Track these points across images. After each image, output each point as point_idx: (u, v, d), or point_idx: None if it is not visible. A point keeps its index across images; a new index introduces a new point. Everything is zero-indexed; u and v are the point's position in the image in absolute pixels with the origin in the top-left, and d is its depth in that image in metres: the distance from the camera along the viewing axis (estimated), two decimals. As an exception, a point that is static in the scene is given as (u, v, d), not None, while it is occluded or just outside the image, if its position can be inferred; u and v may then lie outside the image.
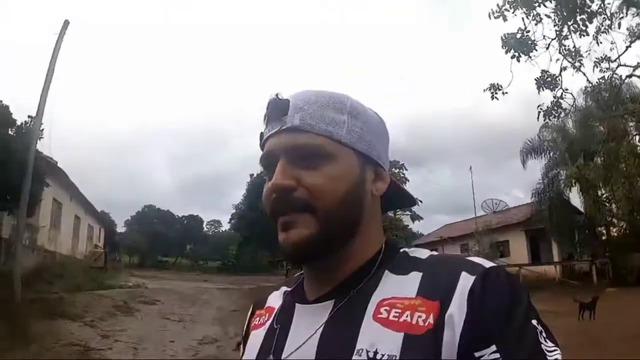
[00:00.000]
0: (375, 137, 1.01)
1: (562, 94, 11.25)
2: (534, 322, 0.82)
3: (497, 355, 0.77)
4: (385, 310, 0.87)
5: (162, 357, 11.47)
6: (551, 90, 11.29)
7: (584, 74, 11.45)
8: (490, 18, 10.39)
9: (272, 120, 0.99)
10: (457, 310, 0.81)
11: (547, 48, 10.88)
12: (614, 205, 25.14)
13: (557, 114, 11.79)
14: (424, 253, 0.98)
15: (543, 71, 11.17)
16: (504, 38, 10.67)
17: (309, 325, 0.94)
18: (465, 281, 0.84)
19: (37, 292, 15.39)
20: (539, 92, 11.33)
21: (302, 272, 1.11)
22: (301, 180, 0.92)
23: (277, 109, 0.97)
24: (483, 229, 32.46)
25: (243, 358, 1.09)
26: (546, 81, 11.06)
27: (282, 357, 0.94)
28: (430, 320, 0.82)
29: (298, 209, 0.92)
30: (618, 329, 11.96)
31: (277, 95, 0.99)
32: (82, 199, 29.50)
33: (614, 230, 28.01)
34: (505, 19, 10.42)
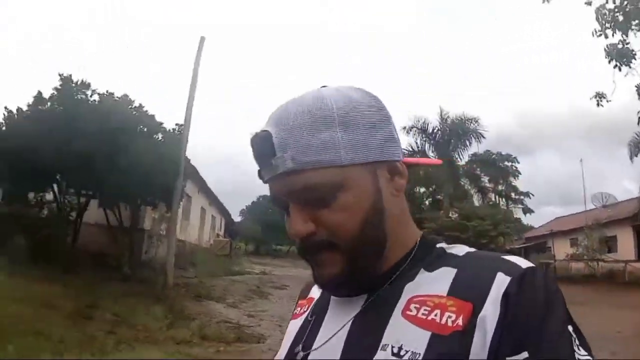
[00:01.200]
0: (373, 132, 0.91)
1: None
2: (570, 328, 0.78)
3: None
4: (415, 307, 0.84)
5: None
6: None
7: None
8: (593, 36, 10.46)
9: (261, 164, 0.91)
10: (491, 313, 0.77)
11: None
12: None
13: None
14: (461, 250, 0.93)
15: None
16: (606, 49, 10.49)
17: (340, 317, 0.92)
18: (501, 282, 0.80)
19: (178, 277, 16.34)
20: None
21: None
22: (318, 221, 0.87)
23: (262, 150, 0.89)
24: (593, 223, 30.99)
25: (280, 348, 1.06)
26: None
27: (311, 351, 0.93)
28: (460, 322, 0.79)
29: (323, 249, 0.88)
30: None
31: (255, 134, 0.91)
32: (207, 191, 30.53)
33: None
34: (606, 37, 10.43)
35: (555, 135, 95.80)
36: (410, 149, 34.09)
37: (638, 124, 11.82)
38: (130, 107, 15.51)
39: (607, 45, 10.44)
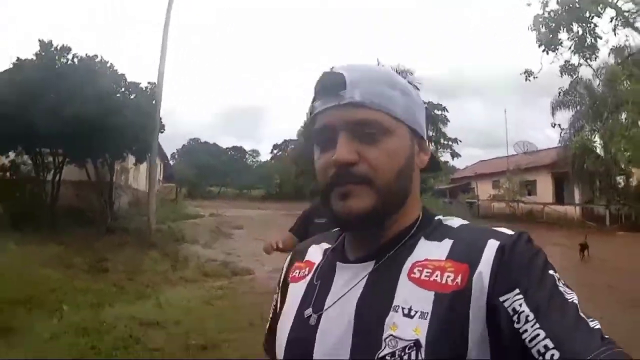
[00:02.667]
0: (419, 112, 1.02)
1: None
2: (551, 271, 0.84)
3: (520, 296, 0.79)
4: (418, 270, 0.89)
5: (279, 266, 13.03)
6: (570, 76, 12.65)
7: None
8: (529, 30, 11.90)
9: (327, 94, 0.96)
10: (484, 269, 0.83)
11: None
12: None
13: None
14: (455, 222, 0.99)
15: (566, 62, 12.67)
16: (537, 37, 11.87)
17: (348, 281, 0.95)
18: (492, 246, 0.86)
19: (144, 224, 16.76)
20: (561, 76, 12.95)
21: (338, 229, 1.12)
22: (362, 155, 0.92)
23: (334, 83, 0.95)
24: (514, 168, 33.05)
25: (283, 310, 1.09)
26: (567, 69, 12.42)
27: (322, 314, 0.95)
28: (458, 280, 0.84)
29: (358, 182, 0.92)
30: (608, 264, 13.57)
31: (331, 69, 0.98)
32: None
33: (632, 179, 28.80)
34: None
35: (484, 86, 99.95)
36: None
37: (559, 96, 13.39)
38: (100, 66, 15.56)
39: (537, 34, 11.83)
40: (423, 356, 0.80)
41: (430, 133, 38.37)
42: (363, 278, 0.93)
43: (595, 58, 13.75)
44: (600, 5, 11.26)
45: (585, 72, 19.59)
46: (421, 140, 1.01)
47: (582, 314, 0.78)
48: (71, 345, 5.32)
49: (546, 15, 11.44)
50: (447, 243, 0.91)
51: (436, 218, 1.00)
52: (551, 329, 0.75)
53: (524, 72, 12.66)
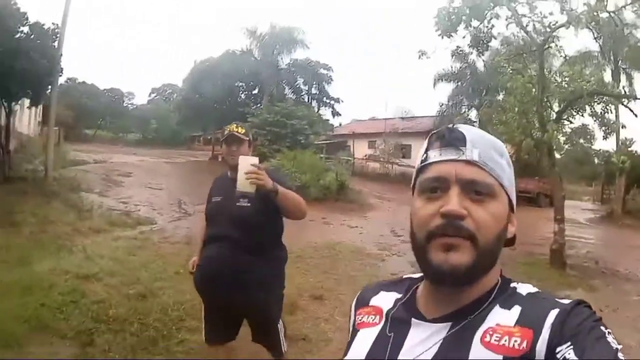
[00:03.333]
0: (513, 185, 1.05)
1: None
2: (602, 327, 0.88)
3: (571, 347, 0.83)
4: (489, 335, 0.92)
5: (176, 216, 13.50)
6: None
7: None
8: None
9: (446, 147, 1.00)
10: (546, 334, 0.88)
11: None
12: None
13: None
14: (524, 290, 1.01)
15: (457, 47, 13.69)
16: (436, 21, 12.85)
17: (424, 341, 0.97)
18: (553, 313, 0.90)
19: (30, 171, 16.47)
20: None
21: (404, 278, 1.17)
22: (471, 212, 0.95)
23: (455, 138, 1.00)
24: (391, 131, 34.37)
25: (349, 355, 1.10)
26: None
27: None
28: (524, 345, 0.88)
29: (464, 236, 0.94)
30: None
31: (453, 125, 1.03)
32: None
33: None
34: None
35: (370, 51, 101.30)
36: (240, 49, 35.74)
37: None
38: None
39: (437, 23, 12.70)
40: None
41: (314, 91, 39.23)
42: (439, 340, 0.95)
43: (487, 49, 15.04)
44: (498, 7, 12.37)
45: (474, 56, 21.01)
46: (511, 212, 1.04)
47: (621, 356, 0.83)
48: (22, 305, 5.33)
49: (450, 9, 12.38)
50: (516, 310, 0.95)
51: (511, 285, 1.03)
52: None
53: (419, 51, 13.63)
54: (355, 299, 1.22)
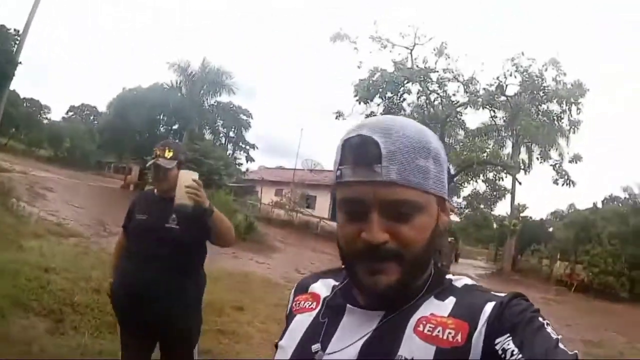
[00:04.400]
0: (444, 173, 0.97)
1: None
2: (540, 318, 0.85)
3: (509, 338, 0.81)
4: (422, 325, 0.90)
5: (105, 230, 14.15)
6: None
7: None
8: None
9: (360, 166, 0.89)
10: (482, 328, 0.85)
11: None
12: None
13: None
14: (461, 282, 0.99)
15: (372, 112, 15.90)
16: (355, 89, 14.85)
17: (357, 327, 0.95)
18: (489, 306, 0.88)
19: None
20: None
21: (343, 267, 1.06)
22: (393, 232, 0.89)
23: (367, 154, 0.88)
24: (298, 181, 36.12)
25: (282, 341, 1.08)
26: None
27: (328, 351, 0.95)
28: (459, 338, 0.85)
29: (388, 259, 0.90)
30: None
31: (361, 134, 0.90)
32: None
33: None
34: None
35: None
36: (169, 83, 36.59)
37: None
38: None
39: (357, 91, 14.65)
40: None
41: (232, 134, 40.46)
42: (372, 329, 0.93)
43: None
44: (411, 83, 14.51)
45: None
46: (444, 201, 0.97)
47: (562, 346, 0.80)
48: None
49: (369, 82, 14.28)
50: (451, 301, 0.93)
51: (447, 277, 1.00)
52: (531, 356, 0.78)
53: (336, 112, 15.36)
54: (294, 287, 1.20)
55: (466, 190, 31.17)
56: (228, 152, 38.00)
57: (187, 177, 3.02)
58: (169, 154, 3.29)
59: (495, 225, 38.01)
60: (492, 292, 0.96)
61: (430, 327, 0.90)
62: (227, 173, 30.16)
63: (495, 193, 30.05)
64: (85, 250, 10.33)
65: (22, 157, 46.48)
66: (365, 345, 0.92)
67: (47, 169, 37.29)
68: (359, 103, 14.76)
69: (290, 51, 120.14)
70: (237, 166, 37.08)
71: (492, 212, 34.82)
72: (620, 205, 28.64)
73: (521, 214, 29.45)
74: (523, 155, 26.92)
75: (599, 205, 30.66)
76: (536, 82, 21.45)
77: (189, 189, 2.98)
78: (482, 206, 33.27)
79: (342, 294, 1.06)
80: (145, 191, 3.70)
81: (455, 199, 19.42)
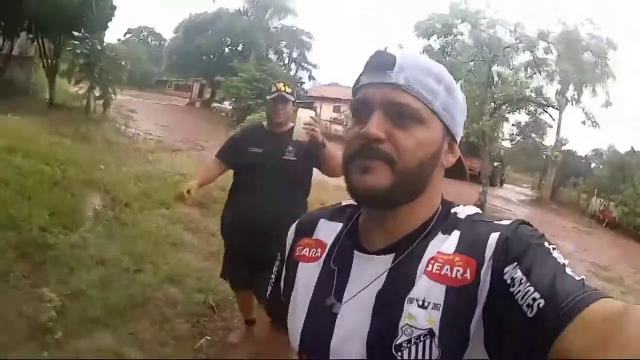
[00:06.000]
0: (459, 114, 0.99)
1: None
2: (546, 244, 0.83)
3: (517, 267, 0.79)
4: (431, 265, 0.89)
5: (197, 146, 16.30)
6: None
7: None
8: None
9: (374, 71, 0.95)
10: (489, 260, 0.84)
11: None
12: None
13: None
14: (463, 213, 0.98)
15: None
16: None
17: (369, 274, 0.95)
18: (494, 238, 0.87)
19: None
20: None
21: (344, 205, 1.12)
22: (391, 136, 0.90)
23: (383, 62, 0.94)
24: None
25: (294, 293, 1.07)
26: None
27: (344, 300, 0.95)
28: (467, 275, 0.85)
29: (380, 159, 0.90)
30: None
31: (385, 48, 0.95)
32: None
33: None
34: None
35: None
36: (236, 9, 38.22)
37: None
38: None
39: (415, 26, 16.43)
40: (437, 343, 0.83)
41: (296, 55, 41.59)
42: (384, 273, 0.93)
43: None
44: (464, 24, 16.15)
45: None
46: (453, 141, 0.99)
47: (569, 271, 0.78)
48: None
49: (427, 24, 15.93)
50: (456, 235, 0.93)
51: (452, 211, 0.99)
52: (539, 283, 0.75)
53: (398, 45, 17.15)
54: (293, 228, 1.17)
55: (511, 121, 31.90)
56: (292, 72, 39.28)
57: (306, 115, 3.14)
58: (289, 90, 3.43)
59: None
60: (496, 222, 0.93)
61: (438, 266, 0.89)
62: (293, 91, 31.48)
63: (538, 126, 30.52)
64: (195, 161, 12.20)
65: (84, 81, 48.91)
66: (379, 292, 0.92)
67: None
68: (418, 37, 16.35)
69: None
70: (300, 85, 38.30)
71: (543, 143, 35.37)
72: None
73: (564, 147, 29.87)
74: (572, 92, 27.87)
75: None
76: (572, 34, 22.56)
77: (308, 126, 3.11)
78: (534, 135, 33.78)
79: (349, 239, 1.04)
80: (252, 125, 3.71)
81: (505, 124, 20.64)
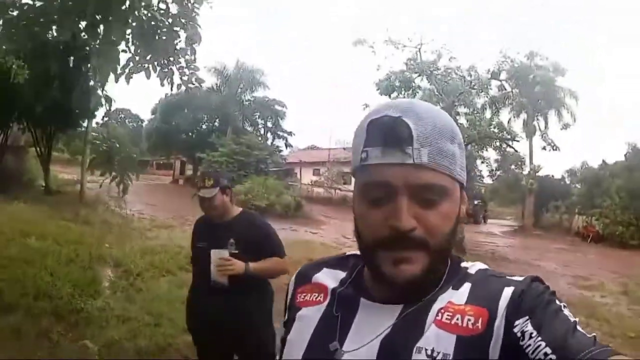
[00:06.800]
0: (464, 166, 0.94)
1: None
2: (557, 301, 0.84)
3: (528, 321, 0.80)
4: (441, 314, 0.87)
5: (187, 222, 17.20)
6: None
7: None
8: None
9: (389, 148, 0.85)
10: (502, 312, 0.83)
11: None
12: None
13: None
14: (474, 268, 0.97)
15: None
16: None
17: (375, 323, 0.91)
18: (508, 292, 0.86)
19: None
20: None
21: (348, 255, 1.10)
22: (420, 219, 0.86)
23: (399, 136, 0.85)
24: (333, 160, 38.43)
25: (290, 336, 1.04)
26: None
27: (345, 349, 0.92)
28: (479, 324, 0.83)
29: (414, 247, 0.86)
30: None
31: (390, 115, 0.86)
32: None
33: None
34: None
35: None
36: (209, 86, 39.07)
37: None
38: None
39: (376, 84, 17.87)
40: None
41: (270, 125, 43.07)
42: (390, 322, 0.90)
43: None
44: (420, 78, 17.66)
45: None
46: (462, 190, 0.94)
47: (580, 328, 0.79)
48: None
49: (387, 82, 17.42)
50: (466, 288, 0.91)
51: (462, 265, 0.98)
52: (550, 339, 0.76)
53: (363, 104, 18.49)
54: (294, 276, 1.14)
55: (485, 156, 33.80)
56: (268, 142, 40.85)
57: (215, 257, 3.21)
58: (209, 183, 3.37)
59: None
60: (507, 276, 0.92)
61: (448, 315, 0.86)
62: (273, 160, 33.10)
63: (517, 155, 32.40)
64: (188, 235, 13.05)
65: (70, 166, 49.57)
66: (385, 340, 0.89)
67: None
68: (381, 95, 17.99)
69: (317, 53, 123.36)
70: (278, 153, 39.90)
71: (523, 172, 37.11)
72: (626, 159, 30.63)
73: (537, 173, 31.47)
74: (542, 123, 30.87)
75: (609, 161, 32.37)
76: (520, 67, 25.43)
77: (220, 268, 3.19)
78: (513, 167, 35.31)
79: (354, 286, 1.00)
80: (202, 217, 3.68)
81: (479, 162, 22.11)
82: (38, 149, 19.41)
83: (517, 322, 0.81)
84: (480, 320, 0.84)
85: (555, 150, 25.53)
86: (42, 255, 8.00)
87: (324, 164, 39.29)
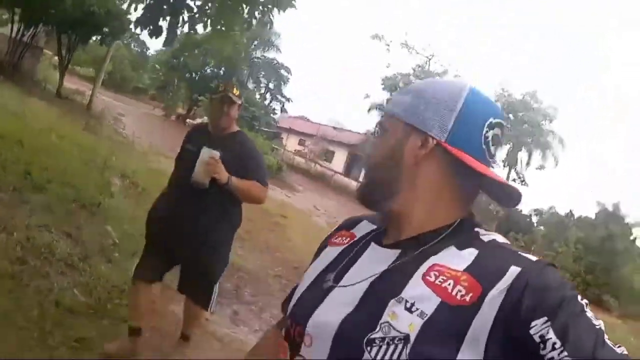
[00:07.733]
0: (435, 112, 0.96)
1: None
2: (579, 299, 0.80)
3: (548, 324, 0.75)
4: (434, 274, 0.87)
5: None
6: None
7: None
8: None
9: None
10: (501, 292, 0.80)
11: None
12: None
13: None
14: (488, 237, 0.94)
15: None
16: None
17: (374, 263, 0.97)
18: (513, 272, 0.82)
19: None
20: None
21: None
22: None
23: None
24: (321, 135, 39.35)
25: (309, 268, 1.12)
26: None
27: (338, 285, 0.98)
28: (467, 298, 0.81)
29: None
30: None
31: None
32: None
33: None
34: None
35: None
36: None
37: None
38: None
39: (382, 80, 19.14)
40: (408, 351, 0.80)
41: (272, 86, 43.81)
42: (383, 268, 0.94)
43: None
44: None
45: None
46: (427, 136, 0.96)
47: (607, 340, 0.76)
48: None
49: (391, 82, 18.83)
50: (470, 254, 0.89)
51: (475, 229, 0.97)
52: (576, 354, 0.73)
53: (365, 94, 19.88)
54: (344, 221, 1.22)
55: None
56: (266, 102, 41.70)
57: (206, 155, 3.12)
58: (236, 92, 3.31)
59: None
60: (520, 253, 0.89)
61: (442, 278, 0.86)
62: (266, 120, 33.76)
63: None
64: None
65: (67, 75, 49.55)
66: (374, 282, 0.92)
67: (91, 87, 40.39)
68: (384, 90, 19.39)
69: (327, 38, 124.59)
70: (272, 115, 40.68)
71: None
72: (594, 217, 32.10)
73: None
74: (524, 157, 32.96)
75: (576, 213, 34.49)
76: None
77: (208, 167, 3.10)
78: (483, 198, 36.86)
79: (375, 234, 1.07)
80: (198, 124, 3.72)
81: None
82: (60, 54, 20.08)
83: (534, 323, 0.76)
84: (470, 295, 0.82)
85: (524, 185, 27.23)
86: (63, 152, 9.13)
87: (311, 136, 40.08)
